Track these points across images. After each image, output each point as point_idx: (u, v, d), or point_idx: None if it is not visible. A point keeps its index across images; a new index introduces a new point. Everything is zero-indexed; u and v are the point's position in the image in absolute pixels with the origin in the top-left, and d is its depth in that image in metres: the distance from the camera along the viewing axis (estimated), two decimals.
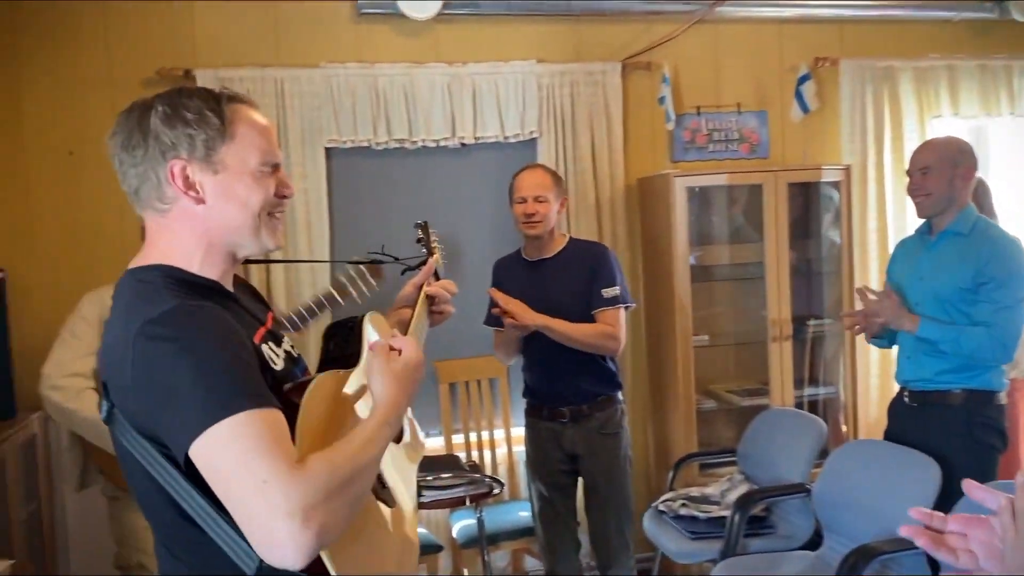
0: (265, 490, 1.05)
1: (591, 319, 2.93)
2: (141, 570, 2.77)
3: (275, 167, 1.32)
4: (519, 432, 3.80)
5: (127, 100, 3.70)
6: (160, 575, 1.32)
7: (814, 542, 3.11)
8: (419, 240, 2.11)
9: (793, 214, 3.85)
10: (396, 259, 1.97)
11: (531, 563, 3.75)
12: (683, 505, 3.27)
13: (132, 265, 1.30)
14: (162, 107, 1.26)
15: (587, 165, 3.79)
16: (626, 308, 2.98)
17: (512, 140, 3.76)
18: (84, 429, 2.64)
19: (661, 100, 3.82)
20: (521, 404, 3.77)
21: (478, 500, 3.01)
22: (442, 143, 3.69)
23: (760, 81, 4.12)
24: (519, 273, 3.04)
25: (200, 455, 1.09)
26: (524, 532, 3.41)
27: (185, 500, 1.17)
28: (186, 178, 1.26)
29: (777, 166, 3.96)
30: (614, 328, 2.91)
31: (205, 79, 3.35)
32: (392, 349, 1.35)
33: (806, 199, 4.06)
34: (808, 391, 4.01)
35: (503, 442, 3.82)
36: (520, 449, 3.79)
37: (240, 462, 1.07)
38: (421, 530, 3.37)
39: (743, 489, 3.28)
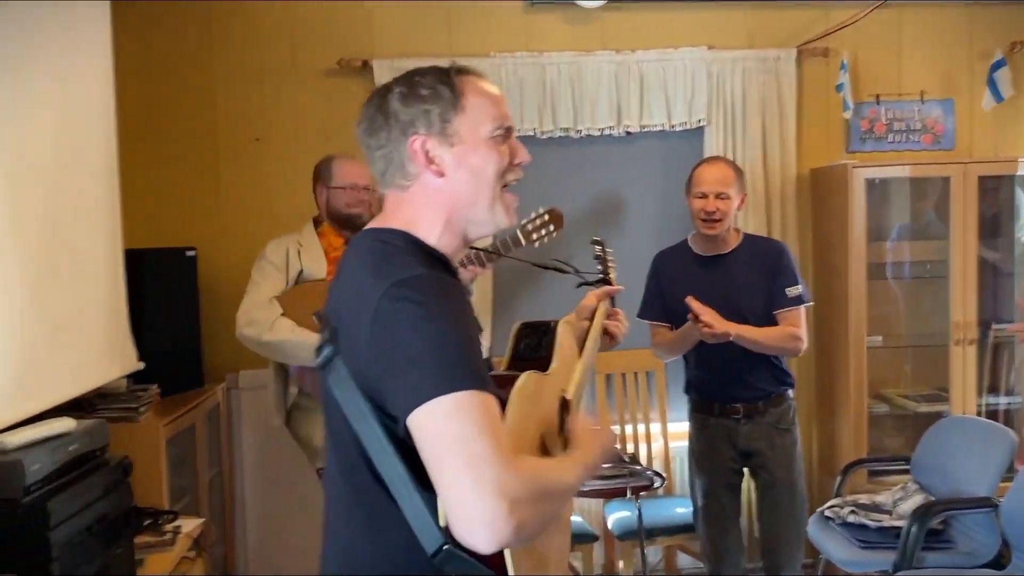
0: (481, 468, 1.05)
1: (771, 319, 2.85)
2: None
3: (507, 131, 1.33)
4: (676, 428, 3.77)
5: (310, 90, 3.90)
6: (333, 538, 1.33)
7: (998, 562, 2.90)
8: (596, 257, 2.09)
9: (981, 210, 3.59)
10: (576, 271, 2.00)
11: (683, 560, 3.69)
12: (852, 512, 3.12)
13: (375, 226, 1.34)
14: (399, 88, 1.30)
15: (757, 155, 3.67)
16: (806, 307, 2.89)
17: (678, 129, 3.69)
18: (283, 353, 2.76)
19: (839, 88, 3.65)
20: (677, 398, 3.74)
21: (638, 492, 2.98)
22: (607, 131, 3.66)
23: (946, 67, 3.87)
24: (690, 269, 2.96)
25: (422, 422, 1.10)
26: (679, 529, 3.35)
27: (384, 463, 1.17)
28: (426, 152, 1.29)
29: (964, 158, 3.71)
30: (798, 328, 2.83)
31: (381, 69, 3.48)
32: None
33: (995, 195, 3.78)
34: (989, 399, 3.74)
35: (659, 436, 3.76)
36: (676, 444, 3.75)
37: (462, 436, 1.07)
38: (576, 518, 3.38)
39: (917, 499, 3.10)
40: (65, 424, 2.04)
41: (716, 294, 2.81)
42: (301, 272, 2.85)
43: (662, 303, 3.01)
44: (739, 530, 3.03)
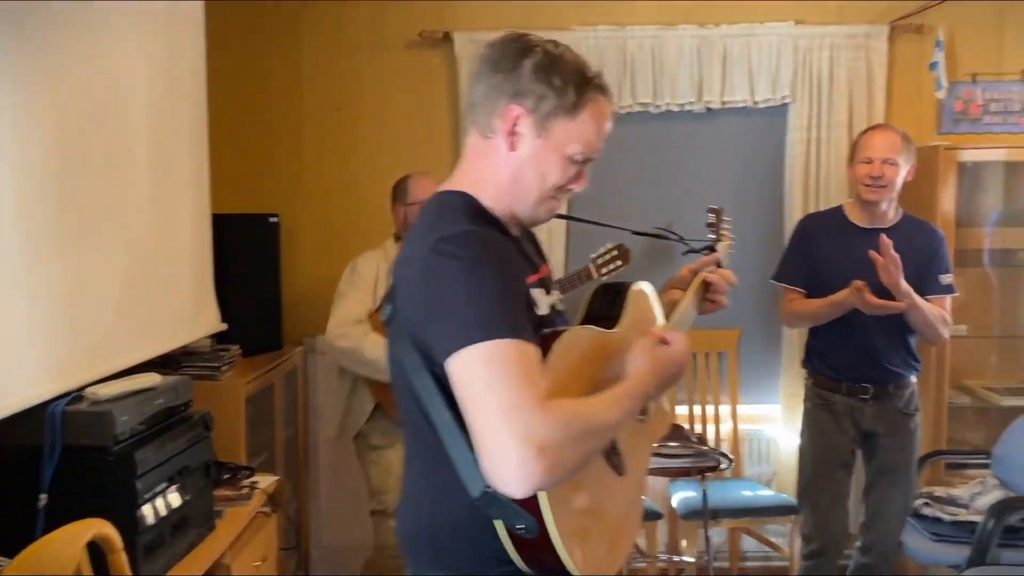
0: (511, 414, 1.09)
1: None
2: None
3: (587, 160, 1.36)
4: (747, 410, 3.72)
5: (393, 61, 3.93)
6: (404, 484, 1.40)
7: None
8: (710, 224, 2.03)
9: None
10: (681, 238, 1.91)
11: (748, 543, 3.66)
12: (926, 504, 3.05)
13: (442, 188, 1.39)
14: (539, 57, 1.31)
15: (843, 134, 3.56)
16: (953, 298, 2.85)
17: (761, 105, 3.61)
18: (372, 369, 2.87)
19: (933, 66, 3.50)
20: (748, 380, 3.68)
21: (704, 473, 2.97)
22: (687, 107, 3.61)
23: None
24: (844, 238, 2.85)
25: (457, 369, 1.15)
26: (745, 511, 3.33)
27: (434, 410, 1.23)
28: (515, 124, 1.31)
29: None
30: (948, 315, 2.79)
31: (462, 41, 3.49)
32: (663, 341, 1.36)
33: None
34: None
35: (727, 418, 3.72)
36: (745, 427, 3.70)
37: (493, 383, 1.11)
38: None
39: (997, 495, 3.00)
40: (152, 379, 2.14)
41: (869, 268, 2.67)
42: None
43: (806, 268, 2.92)
44: (847, 512, 3.00)
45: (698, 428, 3.68)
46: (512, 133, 1.31)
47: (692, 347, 3.89)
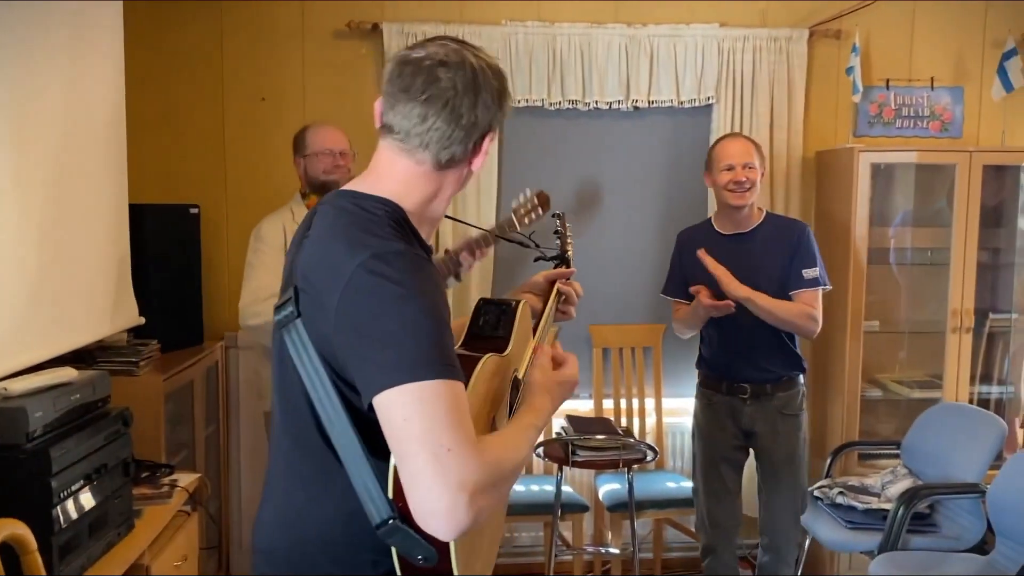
0: (446, 458, 1.06)
1: (787, 298, 2.86)
2: None
3: None
4: (671, 404, 3.79)
5: (318, 51, 3.86)
6: (273, 497, 1.33)
7: (982, 547, 2.94)
8: (556, 232, 2.07)
9: (984, 200, 3.59)
10: (537, 245, 1.97)
11: (672, 534, 3.73)
12: (840, 493, 3.16)
13: (353, 188, 1.30)
14: (487, 79, 1.27)
15: (764, 135, 3.66)
16: (823, 290, 2.90)
17: (687, 105, 3.68)
18: None
19: (849, 71, 3.63)
20: (672, 374, 3.77)
21: (630, 465, 3.02)
22: (615, 105, 3.65)
23: (958, 55, 3.85)
24: (713, 247, 2.94)
25: (391, 404, 1.09)
26: (670, 503, 3.39)
27: (336, 429, 1.18)
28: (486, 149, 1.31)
29: (971, 146, 3.70)
30: (814, 309, 2.84)
31: (391, 33, 3.46)
32: (557, 362, 1.41)
33: (1000, 184, 3.78)
34: (982, 388, 3.77)
35: (652, 411, 3.79)
36: (670, 420, 3.78)
37: (431, 425, 1.07)
38: (567, 488, 3.41)
39: (906, 483, 3.14)
40: (68, 373, 2.06)
41: (735, 271, 2.82)
42: None
43: (683, 280, 3.03)
44: (736, 506, 3.05)
45: (624, 421, 3.74)
46: (485, 154, 1.31)
47: (620, 342, 3.98)
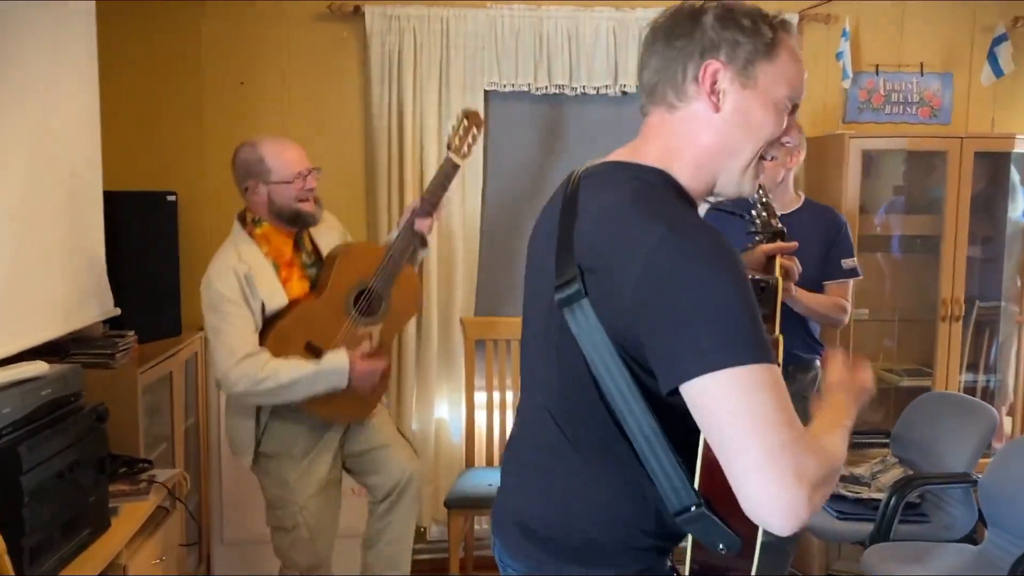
0: (782, 454, 1.01)
1: (818, 287, 2.81)
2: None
3: (795, 108, 1.25)
4: None
5: (299, 35, 3.77)
6: (536, 482, 1.29)
7: (972, 537, 2.93)
8: (762, 204, 1.96)
9: (975, 186, 3.57)
10: (744, 217, 1.89)
11: None
12: None
13: (620, 159, 1.26)
14: (715, 9, 1.21)
15: None
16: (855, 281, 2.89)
17: None
18: (296, 391, 2.47)
19: (839, 55, 3.59)
20: None
21: None
22: (603, 90, 3.58)
23: (948, 41, 3.81)
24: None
25: (709, 392, 1.03)
26: None
27: (631, 416, 1.13)
28: (714, 81, 1.19)
29: (960, 133, 3.67)
30: (846, 301, 2.82)
31: (373, 15, 3.37)
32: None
33: (991, 171, 3.75)
34: (969, 376, 3.76)
35: None
36: None
37: (761, 417, 1.02)
38: None
39: (896, 473, 3.12)
40: (38, 368, 1.98)
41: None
42: (263, 305, 2.48)
43: None
44: None
45: (496, 415, 3.55)
46: (714, 92, 1.19)
47: (492, 334, 3.81)
